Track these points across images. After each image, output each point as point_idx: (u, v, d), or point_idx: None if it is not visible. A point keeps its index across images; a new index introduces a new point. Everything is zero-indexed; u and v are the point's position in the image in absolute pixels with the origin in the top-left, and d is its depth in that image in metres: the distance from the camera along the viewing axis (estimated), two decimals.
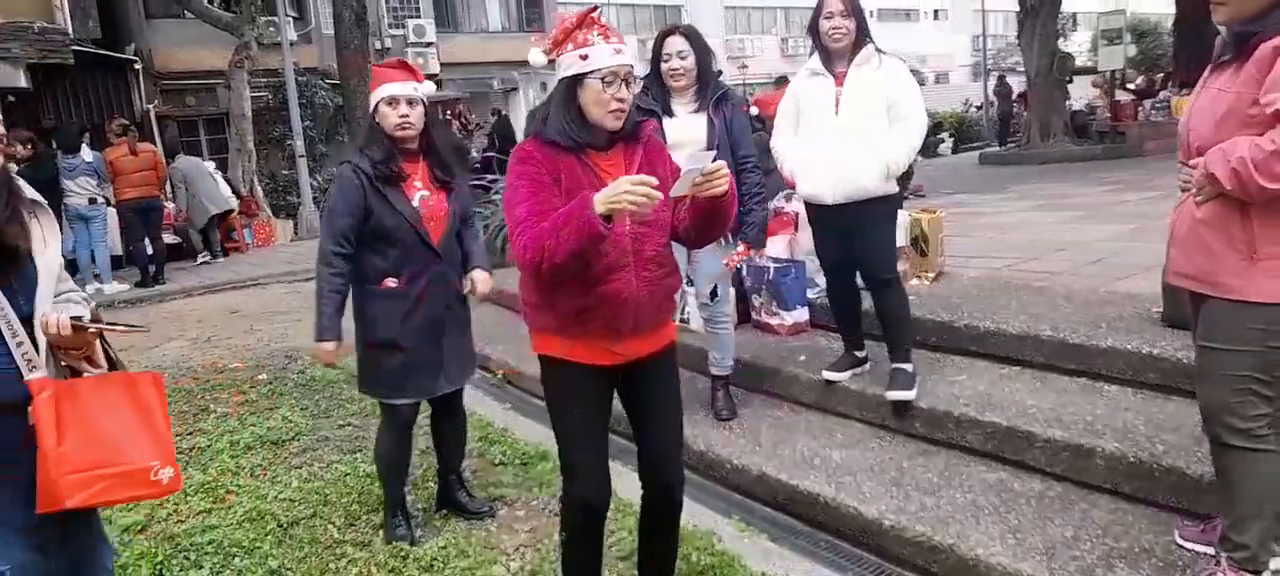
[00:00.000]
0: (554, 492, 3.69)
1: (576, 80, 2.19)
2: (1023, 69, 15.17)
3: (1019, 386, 3.66)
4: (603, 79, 2.16)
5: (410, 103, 3.06)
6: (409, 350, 3.11)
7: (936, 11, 45.71)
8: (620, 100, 2.19)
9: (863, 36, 3.51)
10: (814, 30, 3.59)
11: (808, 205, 3.82)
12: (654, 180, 1.98)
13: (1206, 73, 2.33)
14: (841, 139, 3.51)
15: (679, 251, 2.62)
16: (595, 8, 2.28)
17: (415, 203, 3.07)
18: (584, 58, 2.14)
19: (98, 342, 1.92)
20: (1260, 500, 2.22)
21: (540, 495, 3.67)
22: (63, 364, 1.89)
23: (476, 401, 5.12)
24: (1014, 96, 20.79)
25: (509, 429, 4.56)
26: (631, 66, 2.22)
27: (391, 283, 3.07)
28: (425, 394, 3.26)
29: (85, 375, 1.89)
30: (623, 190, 1.95)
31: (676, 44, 3.77)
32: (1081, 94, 16.14)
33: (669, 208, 2.26)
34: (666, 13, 34.47)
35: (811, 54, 3.70)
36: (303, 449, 4.46)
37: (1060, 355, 3.69)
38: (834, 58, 3.56)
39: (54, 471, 1.74)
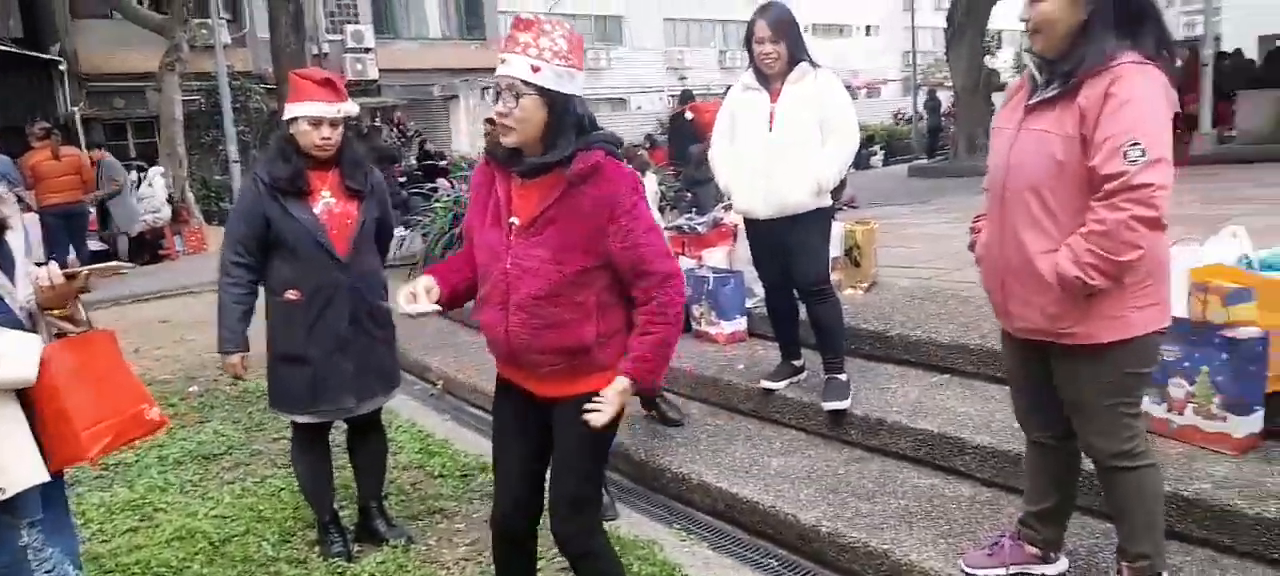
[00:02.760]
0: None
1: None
2: (951, 84, 15.63)
3: (949, 394, 3.77)
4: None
5: (333, 124, 2.98)
6: (315, 363, 3.02)
7: (868, 27, 46.73)
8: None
9: (796, 55, 3.57)
10: (748, 48, 3.65)
11: (745, 220, 3.88)
12: (415, 288, 2.18)
13: (1018, 112, 2.28)
14: (773, 155, 3.57)
15: None
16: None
17: (317, 210, 2.98)
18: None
19: (77, 301, 2.02)
20: (1150, 511, 2.33)
21: (480, 508, 3.65)
22: (54, 331, 1.99)
23: (415, 412, 5.07)
24: (942, 111, 21.39)
25: (449, 440, 4.52)
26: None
27: (293, 294, 2.99)
28: (335, 414, 3.15)
29: (68, 334, 1.98)
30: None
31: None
32: None
33: (556, 263, 2.11)
34: (607, 23, 34.60)
35: (748, 67, 3.76)
36: (235, 463, 4.36)
37: (988, 363, 3.80)
38: (768, 75, 3.63)
39: (77, 426, 1.86)
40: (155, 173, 12.98)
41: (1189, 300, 3.06)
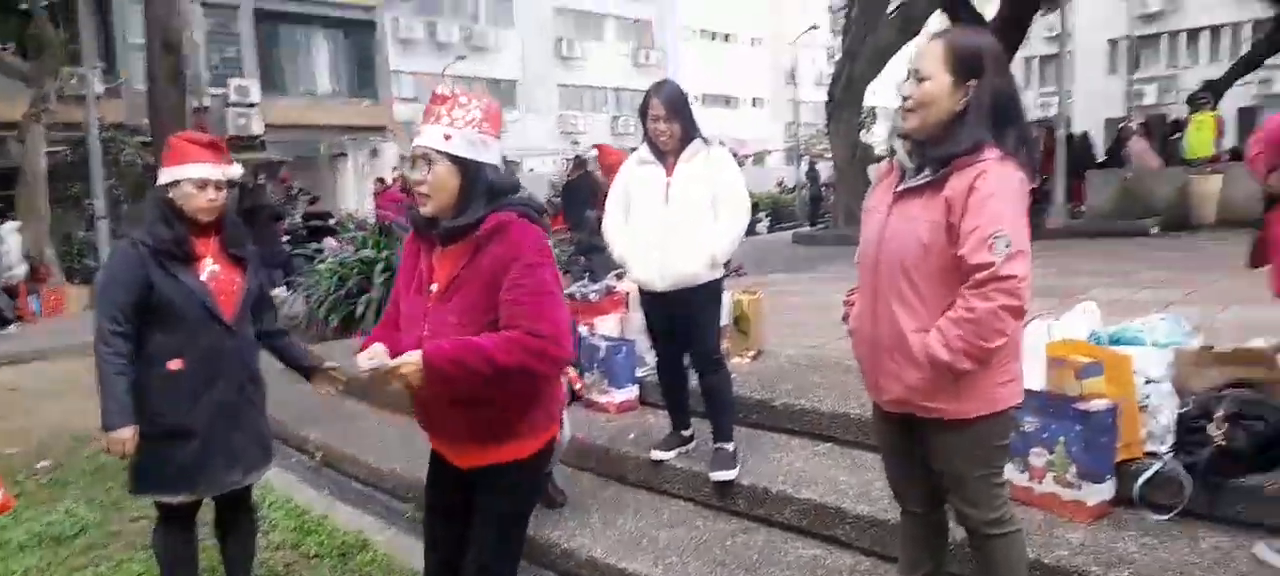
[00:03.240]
0: None
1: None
2: (831, 156, 16.40)
3: (831, 463, 3.88)
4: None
5: (217, 187, 2.93)
6: (202, 436, 2.89)
7: (754, 99, 48.67)
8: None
9: (690, 132, 3.70)
10: (643, 123, 3.75)
11: (640, 291, 3.94)
12: (372, 351, 2.16)
13: (888, 195, 2.39)
14: (669, 229, 3.67)
15: None
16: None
17: (203, 277, 2.91)
18: None
19: None
20: None
21: None
22: None
23: (291, 486, 4.85)
24: (822, 181, 22.37)
25: (327, 516, 4.34)
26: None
27: (176, 364, 2.86)
28: (218, 488, 3.02)
29: None
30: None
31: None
32: None
33: (460, 327, 2.17)
34: (501, 86, 34.77)
35: (643, 142, 3.86)
36: (88, 546, 4.05)
37: (866, 432, 3.91)
38: (663, 152, 3.73)
39: None
40: (9, 228, 12.15)
41: (1047, 373, 3.27)
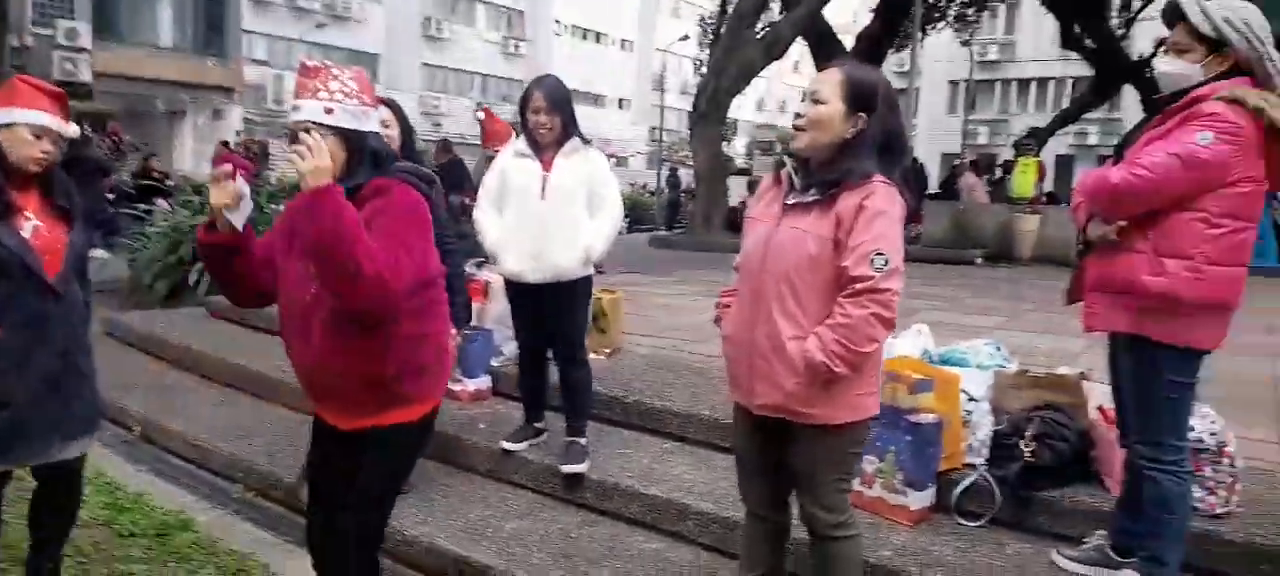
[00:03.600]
0: (193, 569, 3.35)
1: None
2: (692, 164, 16.79)
3: (679, 461, 3.97)
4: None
5: (55, 141, 2.71)
6: (18, 405, 2.65)
7: (622, 100, 49.17)
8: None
9: (569, 129, 3.71)
10: (522, 116, 3.73)
11: (507, 282, 3.91)
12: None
13: (775, 207, 2.48)
14: (546, 222, 3.67)
15: None
16: None
17: (25, 233, 2.67)
18: None
19: None
20: None
21: (178, 572, 3.30)
22: None
23: (104, 459, 4.48)
24: (682, 187, 22.84)
25: (145, 493, 4.05)
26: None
27: None
28: (35, 458, 2.78)
29: None
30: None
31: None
32: (739, 193, 18.16)
33: None
34: (362, 60, 33.47)
35: (519, 136, 3.83)
36: None
37: (716, 433, 4.05)
38: (541, 145, 3.72)
39: None
40: None
41: (883, 387, 3.47)
